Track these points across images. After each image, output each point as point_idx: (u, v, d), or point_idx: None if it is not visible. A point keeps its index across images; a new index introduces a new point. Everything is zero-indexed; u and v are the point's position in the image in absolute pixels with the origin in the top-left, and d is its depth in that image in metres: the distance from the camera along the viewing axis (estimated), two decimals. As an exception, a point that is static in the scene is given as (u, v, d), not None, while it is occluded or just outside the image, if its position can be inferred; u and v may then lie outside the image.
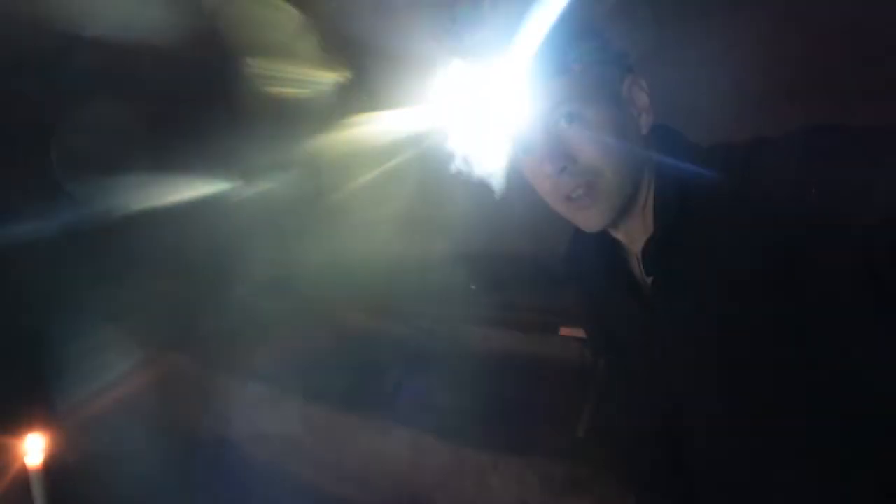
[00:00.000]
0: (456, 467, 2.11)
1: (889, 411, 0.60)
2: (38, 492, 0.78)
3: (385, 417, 2.34)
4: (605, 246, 0.76)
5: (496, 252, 3.04)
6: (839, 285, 0.53)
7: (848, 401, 0.60)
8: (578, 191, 0.65)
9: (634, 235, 0.72)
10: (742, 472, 0.72)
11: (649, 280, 0.72)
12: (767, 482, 0.69)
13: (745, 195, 0.60)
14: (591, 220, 0.68)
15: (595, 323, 0.90)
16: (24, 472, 0.80)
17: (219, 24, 2.38)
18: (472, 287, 2.59)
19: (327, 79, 3.31)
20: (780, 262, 0.57)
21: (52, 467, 0.82)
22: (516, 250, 2.98)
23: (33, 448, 0.79)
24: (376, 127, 3.19)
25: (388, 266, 3.40)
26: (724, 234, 0.63)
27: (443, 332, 3.06)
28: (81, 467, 2.68)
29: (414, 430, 2.24)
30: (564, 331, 2.07)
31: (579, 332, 2.04)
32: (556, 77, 0.64)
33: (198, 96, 2.86)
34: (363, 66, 3.22)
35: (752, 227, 0.59)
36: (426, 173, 3.20)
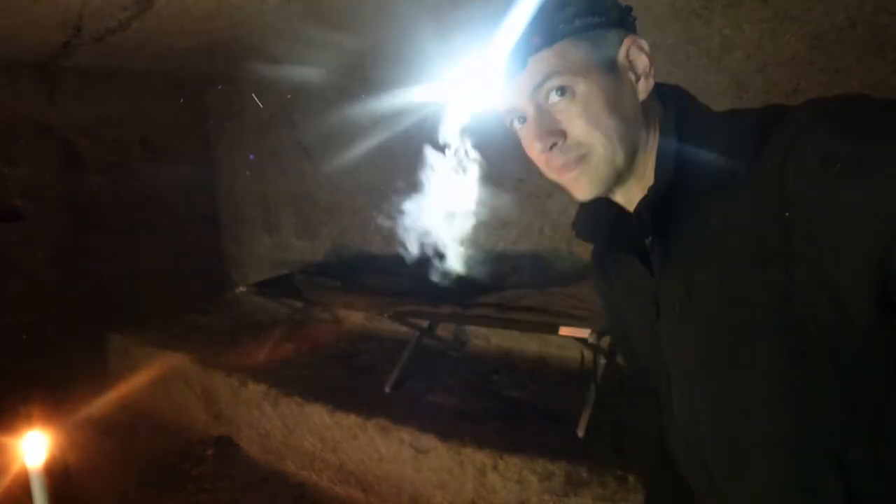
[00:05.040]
0: (456, 467, 2.11)
1: (872, 402, 0.57)
2: (38, 492, 0.78)
3: (385, 417, 2.34)
4: (610, 207, 0.75)
5: (496, 252, 3.04)
6: (843, 273, 0.49)
7: (836, 392, 0.57)
8: (569, 164, 0.65)
9: (634, 199, 0.70)
10: (718, 453, 0.70)
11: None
12: (742, 463, 0.66)
13: (756, 163, 0.56)
14: (581, 190, 0.67)
15: (602, 281, 0.89)
16: (24, 472, 0.80)
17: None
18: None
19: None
20: (780, 239, 0.54)
21: (52, 467, 0.81)
22: (516, 250, 2.98)
23: (33, 448, 0.79)
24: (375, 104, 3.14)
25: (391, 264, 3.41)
26: (725, 202, 0.60)
27: (443, 332, 3.07)
28: (81, 467, 2.68)
29: (414, 430, 2.24)
30: (564, 331, 2.07)
31: (579, 332, 2.04)
32: (545, 50, 0.62)
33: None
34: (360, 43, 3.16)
35: (757, 199, 0.56)
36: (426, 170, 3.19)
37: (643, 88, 0.66)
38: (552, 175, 0.68)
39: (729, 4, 2.15)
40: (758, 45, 2.11)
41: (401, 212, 3.38)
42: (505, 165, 2.87)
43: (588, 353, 2.17)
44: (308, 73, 3.59)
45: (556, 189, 2.74)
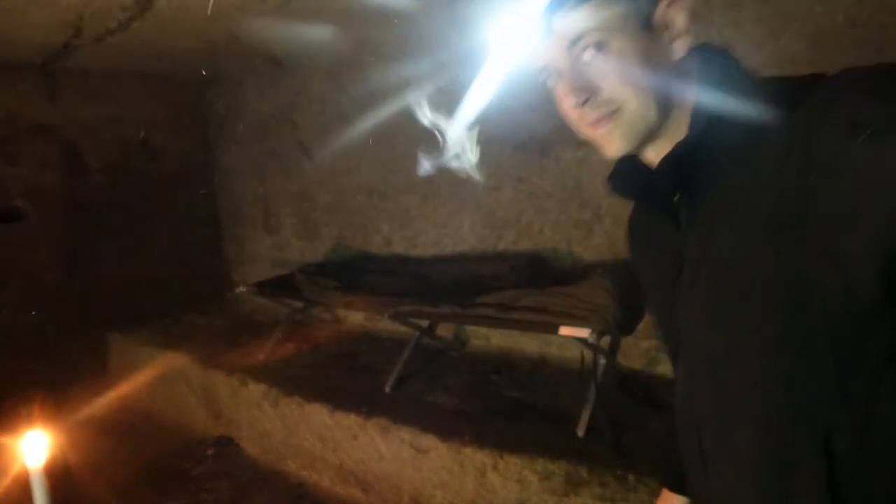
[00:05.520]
0: (456, 467, 2.11)
1: (863, 390, 0.56)
2: (38, 492, 0.78)
3: (385, 417, 2.34)
4: (643, 163, 0.73)
5: (496, 252, 3.04)
6: (855, 239, 0.48)
7: (830, 376, 0.57)
8: (601, 119, 0.65)
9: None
10: (709, 429, 0.69)
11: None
12: (730, 441, 0.65)
13: (788, 126, 0.56)
14: (612, 145, 0.67)
15: (632, 235, 0.88)
16: (24, 472, 0.80)
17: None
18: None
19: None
20: (799, 203, 0.53)
21: (52, 467, 0.81)
22: (516, 250, 2.98)
23: (33, 448, 0.79)
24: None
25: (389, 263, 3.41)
26: (753, 163, 0.59)
27: (443, 332, 3.07)
28: (81, 467, 2.68)
29: (414, 430, 2.24)
30: (564, 331, 2.07)
31: (579, 332, 2.03)
32: (583, 6, 0.62)
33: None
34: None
35: (783, 161, 0.55)
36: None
37: (680, 47, 0.66)
38: (585, 130, 0.68)
39: (729, 4, 2.15)
40: (758, 44, 2.11)
41: (402, 208, 3.39)
42: (505, 164, 2.88)
43: (588, 353, 2.17)
44: (309, 70, 3.59)
45: (556, 189, 2.75)
